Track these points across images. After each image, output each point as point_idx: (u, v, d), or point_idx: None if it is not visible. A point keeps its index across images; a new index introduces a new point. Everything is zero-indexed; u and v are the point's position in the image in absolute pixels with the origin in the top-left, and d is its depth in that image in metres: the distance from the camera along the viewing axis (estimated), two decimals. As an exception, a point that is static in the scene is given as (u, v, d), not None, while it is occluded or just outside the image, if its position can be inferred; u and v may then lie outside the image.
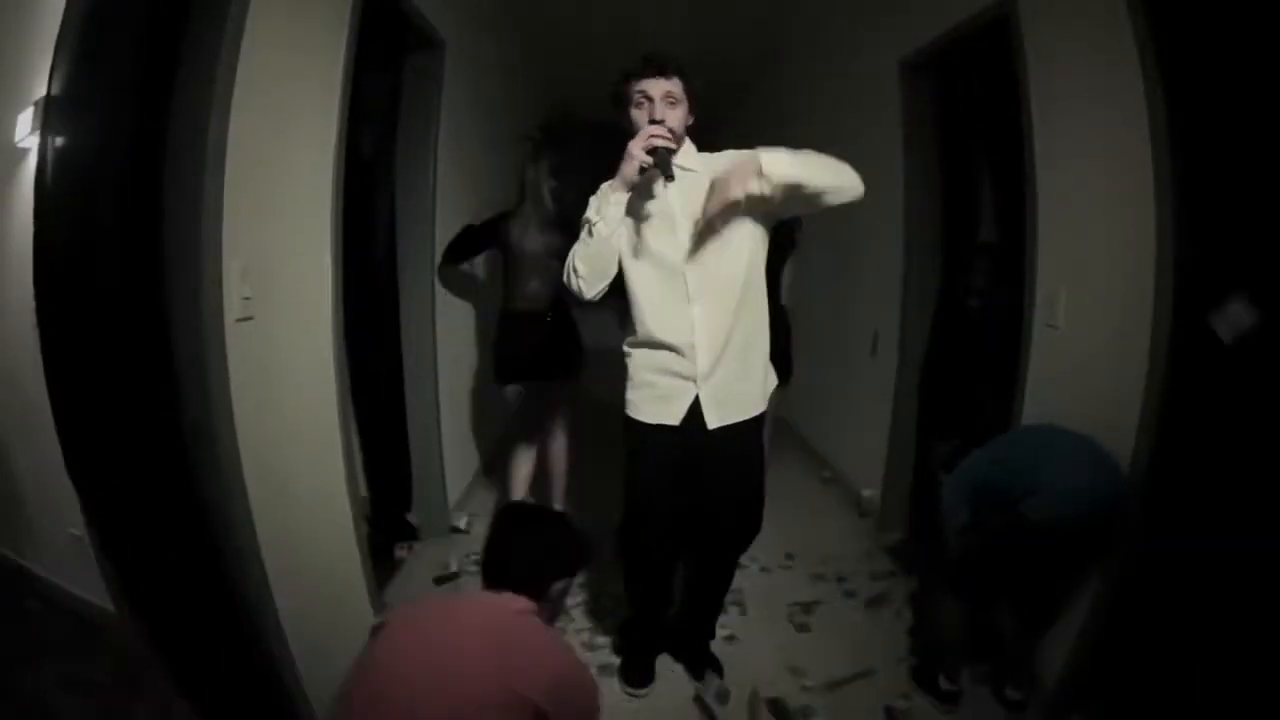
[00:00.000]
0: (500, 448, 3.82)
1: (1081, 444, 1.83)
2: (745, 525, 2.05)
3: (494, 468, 3.97)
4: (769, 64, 5.17)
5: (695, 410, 1.88)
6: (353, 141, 1.99)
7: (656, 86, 1.77)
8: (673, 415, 1.89)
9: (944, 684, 2.08)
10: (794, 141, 1.71)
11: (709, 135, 2.02)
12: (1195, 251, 1.65)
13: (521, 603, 1.30)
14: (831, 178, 1.68)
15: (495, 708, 1.13)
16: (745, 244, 1.84)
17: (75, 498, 1.37)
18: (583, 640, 2.39)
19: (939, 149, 3.02)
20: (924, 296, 3.08)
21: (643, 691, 2.15)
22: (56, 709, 1.53)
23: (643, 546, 2.08)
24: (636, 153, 1.70)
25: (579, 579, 1.41)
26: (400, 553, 2.94)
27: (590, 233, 1.79)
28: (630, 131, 1.77)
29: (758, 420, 1.96)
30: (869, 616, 2.59)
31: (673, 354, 1.86)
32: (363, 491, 2.46)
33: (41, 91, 1.20)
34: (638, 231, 1.85)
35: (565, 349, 2.80)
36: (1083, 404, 1.97)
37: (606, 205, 1.77)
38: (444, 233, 2.98)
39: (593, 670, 2.20)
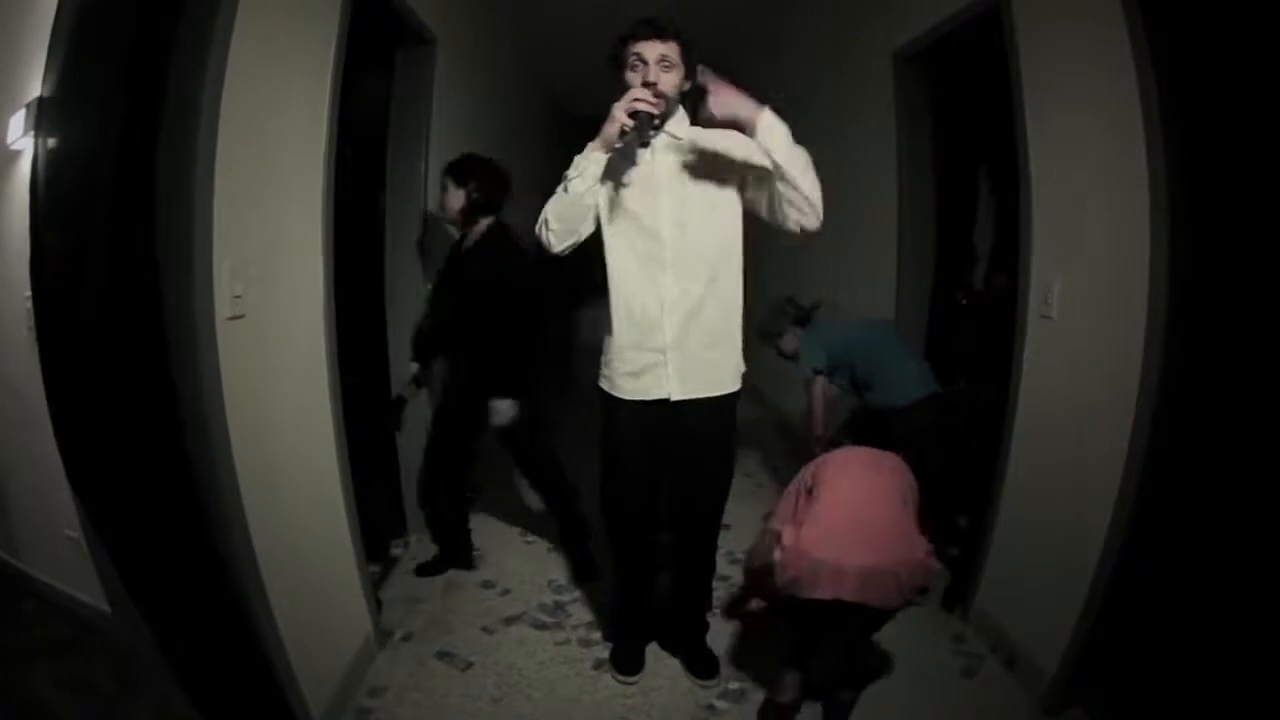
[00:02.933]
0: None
1: (908, 355, 2.63)
2: (713, 497, 2.08)
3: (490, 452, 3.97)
4: (762, 55, 5.15)
5: (666, 386, 1.90)
6: (344, 139, 1.99)
7: (652, 49, 1.74)
8: (643, 390, 1.91)
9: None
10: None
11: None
12: (1189, 240, 1.66)
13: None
14: (809, 188, 1.68)
15: (907, 503, 1.79)
16: (725, 219, 1.86)
17: (71, 500, 1.36)
18: (579, 636, 2.40)
19: (933, 139, 3.02)
20: (919, 287, 3.09)
21: (633, 679, 2.15)
22: (54, 709, 1.53)
23: (619, 519, 2.11)
24: (618, 114, 1.67)
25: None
26: (395, 549, 2.94)
27: (566, 188, 1.78)
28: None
29: (730, 398, 1.98)
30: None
31: (644, 323, 1.87)
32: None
33: (34, 93, 1.20)
34: (620, 195, 1.84)
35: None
36: (1077, 394, 1.98)
37: (586, 163, 1.76)
38: (436, 229, 2.97)
39: (589, 664, 2.23)
